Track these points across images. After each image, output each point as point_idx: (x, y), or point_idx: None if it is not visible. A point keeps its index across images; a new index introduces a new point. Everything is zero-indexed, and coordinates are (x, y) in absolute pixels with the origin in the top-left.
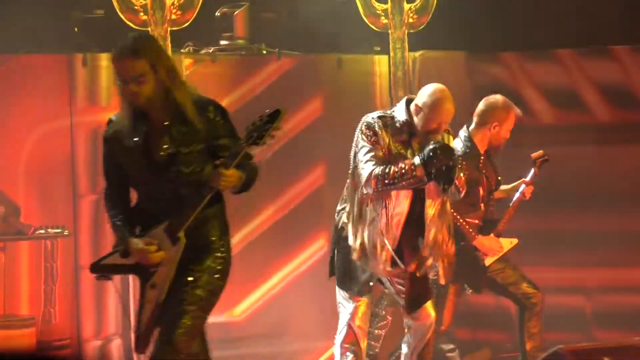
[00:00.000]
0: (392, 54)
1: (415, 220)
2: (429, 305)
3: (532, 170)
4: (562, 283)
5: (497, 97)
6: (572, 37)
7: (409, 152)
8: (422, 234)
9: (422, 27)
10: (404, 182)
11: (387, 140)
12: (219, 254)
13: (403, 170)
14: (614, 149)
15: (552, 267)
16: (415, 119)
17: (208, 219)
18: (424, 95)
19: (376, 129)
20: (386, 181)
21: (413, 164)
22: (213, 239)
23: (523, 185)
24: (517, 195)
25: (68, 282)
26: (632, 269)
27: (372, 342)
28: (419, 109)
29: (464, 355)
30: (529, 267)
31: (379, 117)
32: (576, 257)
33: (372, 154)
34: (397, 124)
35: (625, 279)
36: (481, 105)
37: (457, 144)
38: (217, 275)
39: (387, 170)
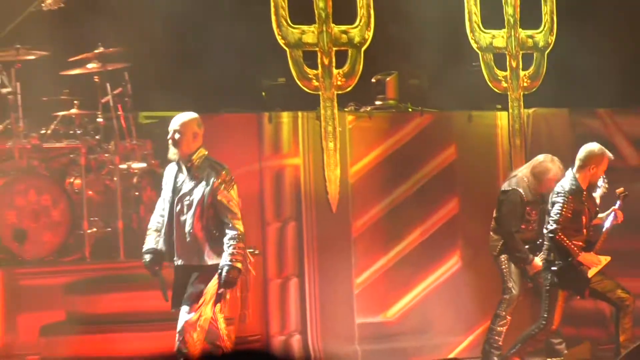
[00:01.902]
0: (510, 110)
1: None
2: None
3: (618, 202)
4: None
5: (594, 145)
6: None
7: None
8: None
9: (534, 89)
10: None
11: None
12: None
13: None
14: None
15: (637, 277)
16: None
17: None
18: None
19: None
20: None
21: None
22: None
23: (613, 214)
24: (608, 223)
25: (258, 290)
26: None
27: (496, 337)
28: None
29: (569, 348)
30: (620, 277)
31: None
32: None
33: None
34: None
35: None
36: (581, 152)
37: (565, 182)
38: None
39: None
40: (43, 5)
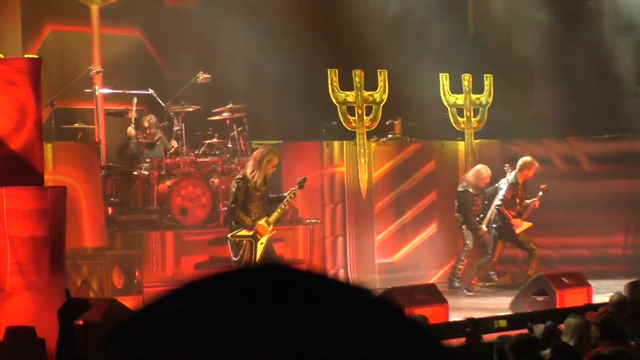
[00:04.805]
0: (466, 141)
1: None
2: None
3: (540, 193)
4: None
5: (528, 158)
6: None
7: None
8: None
9: (479, 129)
10: None
11: None
12: None
13: None
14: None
15: (542, 236)
16: None
17: None
18: None
19: None
20: None
21: None
22: None
23: (534, 200)
24: (531, 204)
25: (319, 244)
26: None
27: (457, 271)
28: None
29: (498, 277)
30: (532, 236)
31: None
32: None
33: None
34: None
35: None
36: (520, 161)
37: (510, 178)
38: None
39: None
40: (198, 80)
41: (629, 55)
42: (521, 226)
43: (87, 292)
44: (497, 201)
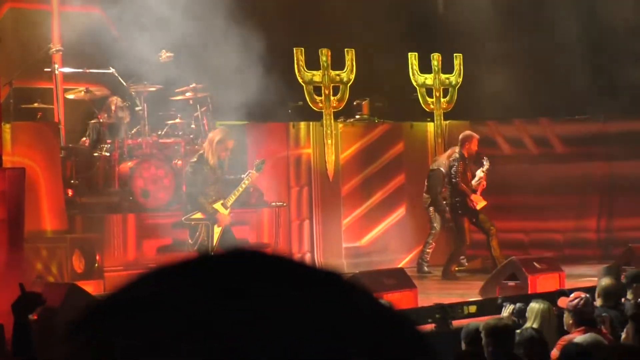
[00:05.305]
0: (435, 122)
1: None
2: None
3: (485, 166)
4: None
5: (466, 132)
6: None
7: None
8: None
9: (449, 110)
10: None
11: None
12: None
13: None
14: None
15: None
16: None
17: None
18: None
19: None
20: None
21: None
22: None
23: (481, 177)
24: (481, 181)
25: (285, 227)
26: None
27: (425, 255)
28: None
29: (468, 262)
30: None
31: None
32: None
33: None
34: None
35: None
36: (460, 136)
37: (456, 154)
38: None
39: None
40: (160, 58)
41: (593, 31)
42: (480, 202)
43: (42, 286)
44: (453, 179)
